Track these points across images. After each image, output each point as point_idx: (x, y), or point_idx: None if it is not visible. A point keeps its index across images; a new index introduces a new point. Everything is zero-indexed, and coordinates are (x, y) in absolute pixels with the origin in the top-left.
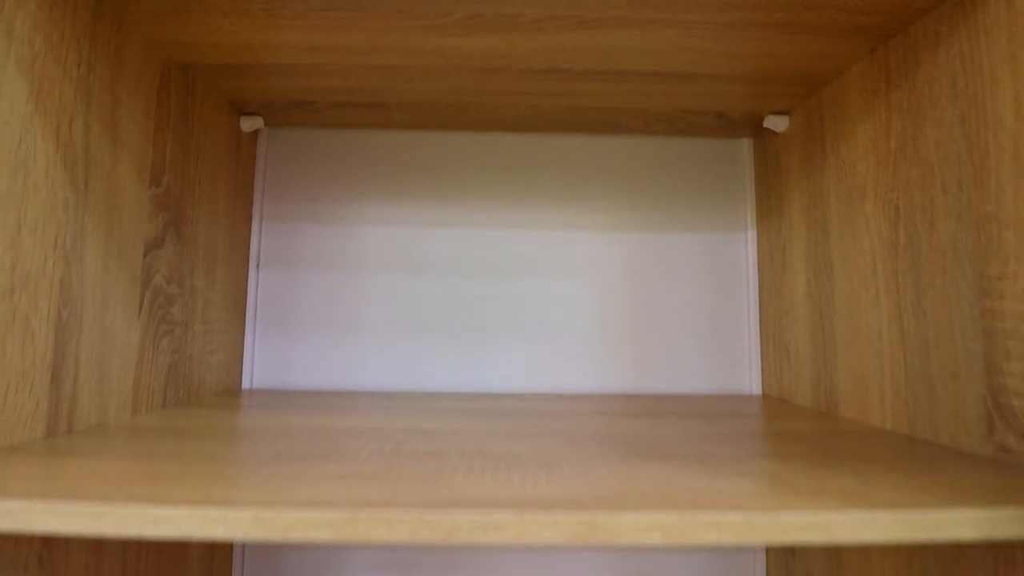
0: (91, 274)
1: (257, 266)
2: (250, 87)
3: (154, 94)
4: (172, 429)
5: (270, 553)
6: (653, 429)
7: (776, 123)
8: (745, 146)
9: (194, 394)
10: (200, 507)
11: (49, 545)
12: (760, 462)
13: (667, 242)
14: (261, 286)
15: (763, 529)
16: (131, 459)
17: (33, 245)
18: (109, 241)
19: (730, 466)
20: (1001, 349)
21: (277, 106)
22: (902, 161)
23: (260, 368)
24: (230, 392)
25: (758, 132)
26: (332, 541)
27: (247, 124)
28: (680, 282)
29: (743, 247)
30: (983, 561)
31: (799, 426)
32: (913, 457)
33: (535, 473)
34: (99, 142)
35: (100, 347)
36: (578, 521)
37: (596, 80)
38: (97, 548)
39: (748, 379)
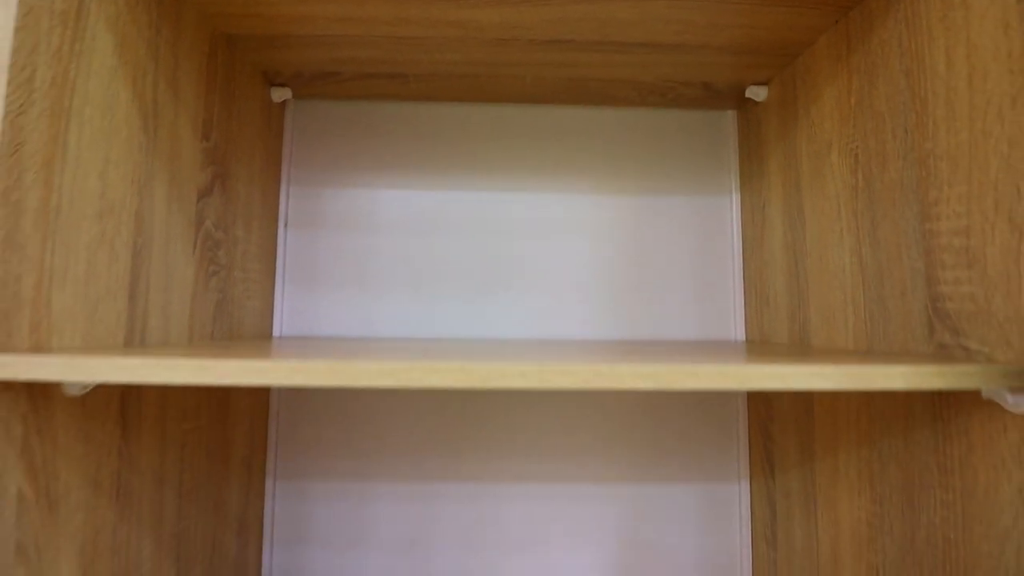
0: (158, 211)
1: (285, 225)
2: (283, 58)
3: (205, 60)
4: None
5: (297, 477)
6: (646, 353)
7: (756, 93)
8: (729, 117)
9: (235, 334)
10: (285, 360)
11: (125, 399)
12: (735, 356)
13: (659, 205)
14: (289, 243)
15: (732, 377)
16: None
17: (116, 178)
18: (171, 184)
19: (710, 358)
20: (938, 262)
21: (306, 77)
22: (860, 115)
23: (288, 317)
24: (263, 336)
25: (741, 104)
26: (393, 387)
27: (277, 95)
28: (671, 241)
29: (728, 209)
30: (925, 418)
31: (773, 349)
32: (865, 355)
33: (546, 358)
34: (164, 97)
35: (165, 276)
36: (588, 370)
37: (595, 51)
38: (161, 401)
39: (733, 327)
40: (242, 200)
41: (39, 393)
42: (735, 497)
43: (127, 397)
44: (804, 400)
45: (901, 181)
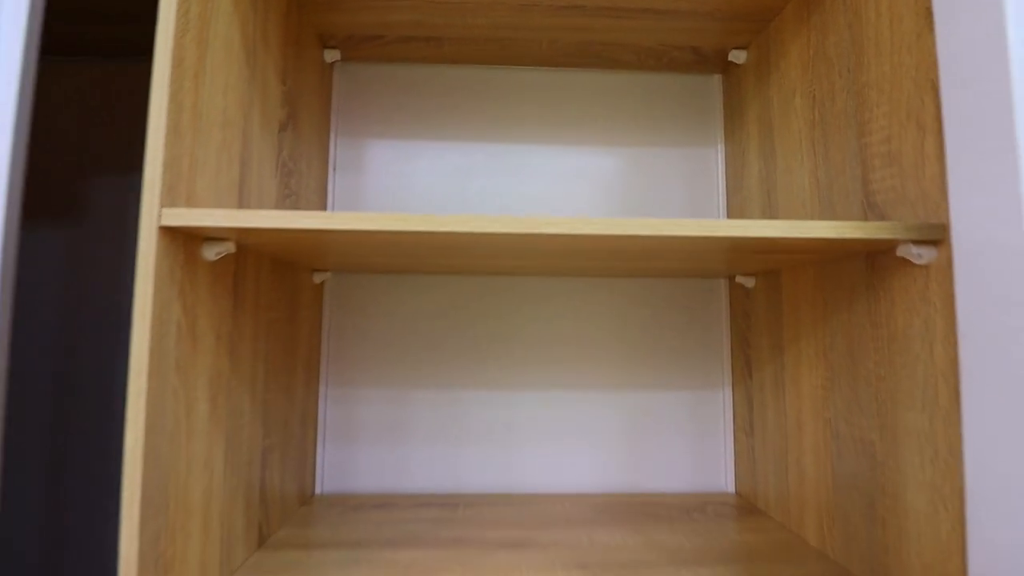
0: (255, 134)
1: (334, 169)
2: (338, 20)
3: (283, 19)
4: None
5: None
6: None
7: (737, 56)
8: (716, 80)
9: None
10: (382, 214)
11: (237, 276)
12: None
13: (655, 155)
14: (337, 185)
15: (707, 228)
16: None
17: (231, 100)
18: (263, 114)
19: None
20: (870, 166)
21: (356, 39)
22: (816, 63)
23: None
24: None
25: (725, 68)
26: (463, 231)
27: (329, 56)
28: (665, 185)
29: (714, 158)
30: (860, 289)
31: None
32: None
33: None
34: (259, 44)
35: (258, 188)
36: (606, 222)
37: (603, 16)
38: (256, 286)
39: None
40: (305, 142)
41: (190, 252)
42: (719, 399)
43: (238, 274)
44: (775, 302)
45: (845, 110)
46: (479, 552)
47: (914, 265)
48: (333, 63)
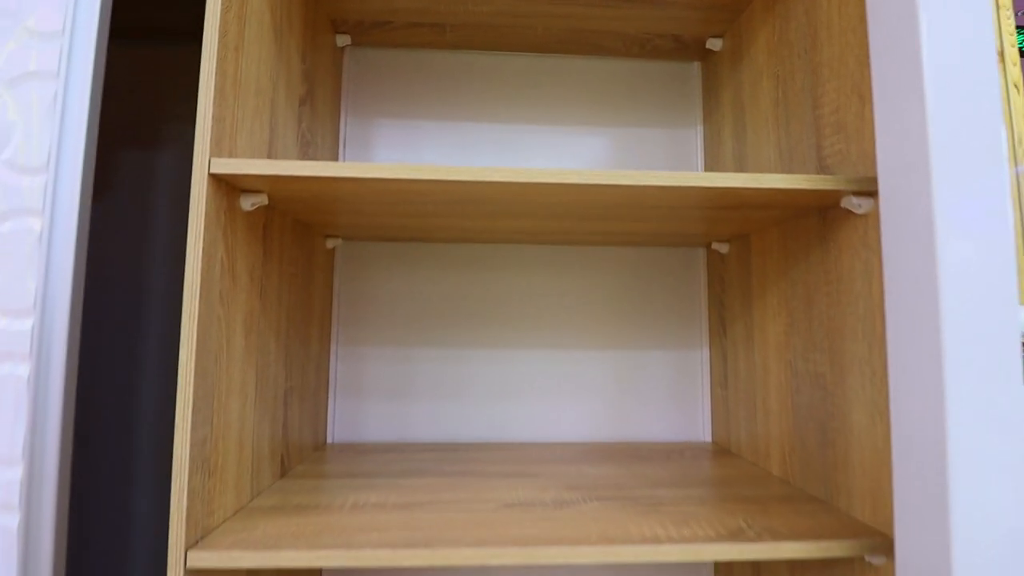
0: (280, 104)
1: (344, 145)
2: (349, 7)
3: (302, 4)
4: None
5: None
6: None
7: (714, 43)
8: (695, 67)
9: None
10: (392, 164)
11: (267, 228)
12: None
13: (640, 136)
14: (347, 159)
15: (679, 179)
16: None
17: (263, 71)
18: (287, 88)
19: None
20: (823, 135)
21: (365, 25)
22: (780, 47)
23: None
24: None
25: (704, 56)
26: (467, 180)
27: (340, 40)
28: (648, 164)
29: (694, 140)
30: (815, 242)
31: None
32: None
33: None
34: (284, 24)
35: (283, 152)
36: (591, 173)
37: (593, 4)
38: (280, 241)
39: None
40: (320, 118)
41: (230, 202)
42: (698, 358)
43: (267, 229)
44: (745, 264)
45: (803, 87)
46: (480, 479)
47: (856, 215)
48: (344, 47)
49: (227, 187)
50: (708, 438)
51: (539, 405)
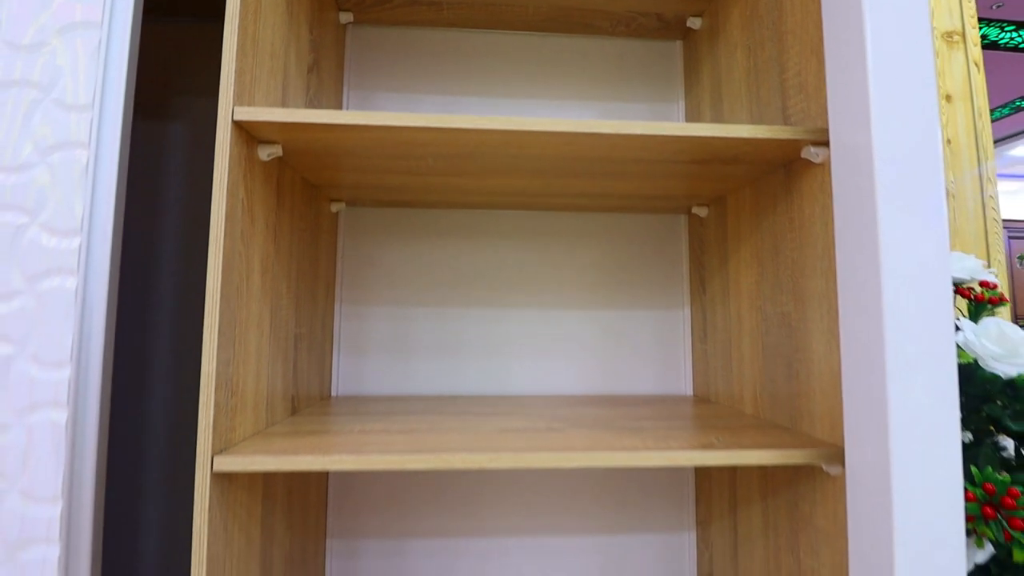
0: (292, 69)
1: None
2: None
3: None
4: None
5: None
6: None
7: (694, 22)
8: (677, 46)
9: None
10: (394, 112)
11: (280, 180)
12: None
13: (624, 110)
14: None
15: (656, 128)
16: None
17: (277, 37)
18: (297, 55)
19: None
20: (787, 96)
21: (367, 3)
22: (751, 20)
23: None
24: None
25: (685, 35)
26: (460, 126)
27: (343, 17)
28: None
29: (676, 112)
30: (782, 194)
31: None
32: None
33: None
34: (297, 3)
35: None
36: (577, 123)
37: None
38: (291, 195)
39: None
40: (324, 87)
41: (249, 151)
42: (679, 317)
43: (280, 181)
44: (722, 224)
45: (771, 55)
46: (477, 417)
47: (814, 164)
48: (347, 24)
49: (247, 136)
50: (690, 391)
51: (531, 361)
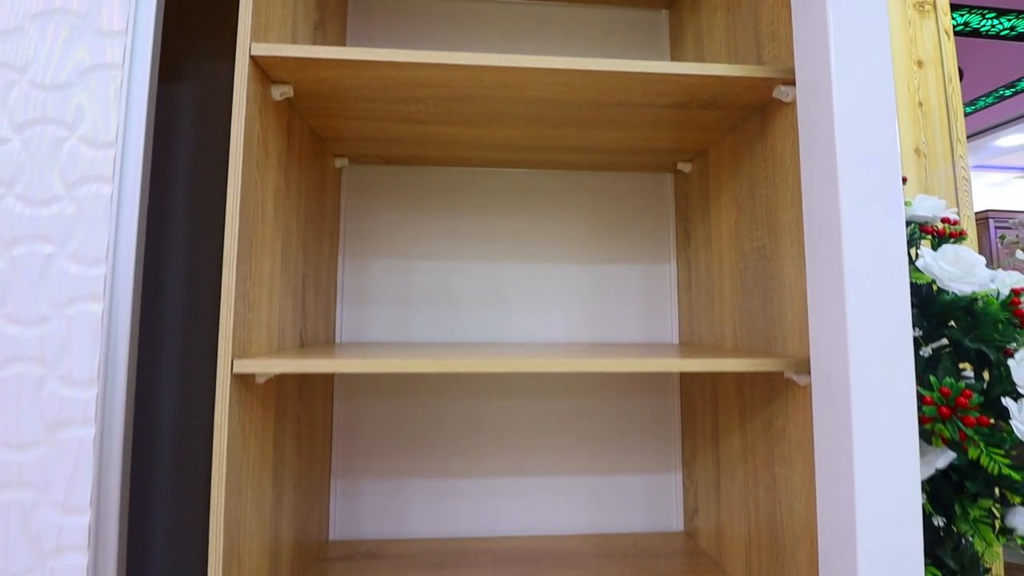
0: (299, 22)
1: None
2: None
3: None
4: None
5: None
6: None
7: None
8: (663, 16)
9: None
10: (399, 49)
11: (290, 124)
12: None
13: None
14: None
15: (638, 66)
16: None
17: (286, 8)
18: (305, 15)
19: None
20: (762, 46)
21: None
22: None
23: None
24: None
25: (671, 3)
26: (461, 63)
27: None
28: None
29: None
30: (756, 135)
31: None
32: None
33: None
34: None
35: None
36: (565, 60)
37: None
38: (301, 139)
39: None
40: (328, 39)
41: (264, 90)
42: (666, 271)
43: (291, 125)
44: (704, 176)
45: (748, 10)
46: (473, 346)
47: (785, 104)
48: None
49: (261, 74)
50: (676, 340)
51: (525, 312)
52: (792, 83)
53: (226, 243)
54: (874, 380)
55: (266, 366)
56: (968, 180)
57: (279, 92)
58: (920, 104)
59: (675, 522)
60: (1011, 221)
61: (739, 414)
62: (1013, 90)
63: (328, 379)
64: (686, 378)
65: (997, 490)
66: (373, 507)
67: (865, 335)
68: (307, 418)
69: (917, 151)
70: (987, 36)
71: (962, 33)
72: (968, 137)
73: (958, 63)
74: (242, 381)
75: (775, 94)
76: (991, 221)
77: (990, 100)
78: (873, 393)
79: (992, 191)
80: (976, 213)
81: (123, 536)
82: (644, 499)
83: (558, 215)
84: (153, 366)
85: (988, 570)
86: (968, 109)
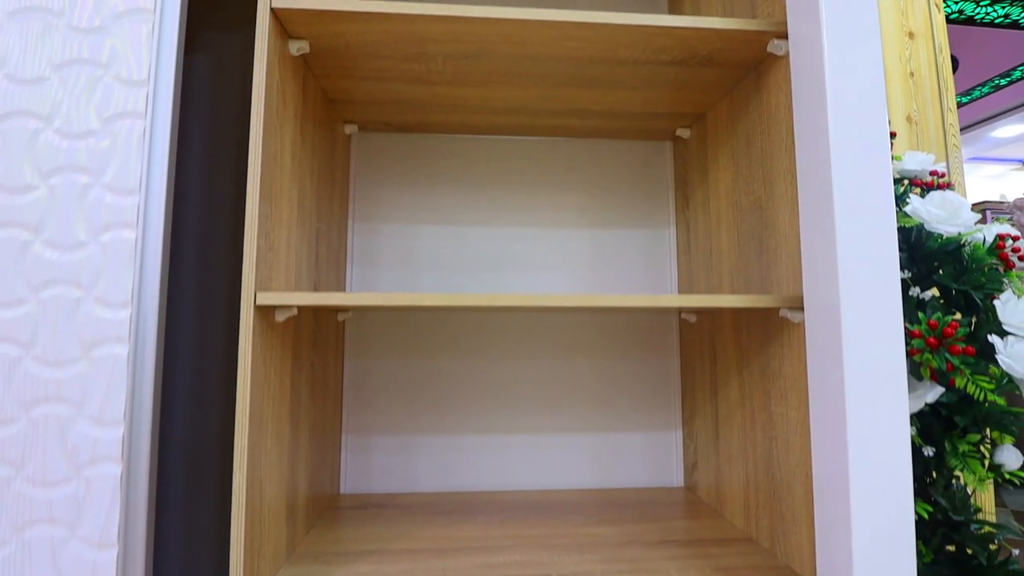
0: None
1: None
2: None
3: None
4: None
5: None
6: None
7: None
8: None
9: None
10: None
11: (305, 82)
12: None
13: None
14: None
15: (636, 19)
16: None
17: None
18: None
19: None
20: (758, 10)
21: None
22: None
23: None
24: None
25: None
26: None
27: None
28: None
29: None
30: (751, 95)
31: None
32: None
33: None
34: None
35: None
36: (563, 12)
37: None
38: (313, 102)
39: None
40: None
41: (282, 44)
42: (665, 236)
43: (305, 83)
44: (702, 139)
45: None
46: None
47: (779, 57)
48: None
49: (280, 28)
50: None
51: (529, 276)
52: (785, 36)
53: (249, 179)
54: (863, 312)
55: (286, 298)
56: (959, 148)
57: (296, 47)
58: (912, 74)
59: (675, 478)
60: (1004, 205)
61: (736, 363)
62: (1008, 79)
63: (339, 334)
64: (685, 338)
65: (988, 430)
66: (382, 463)
67: (854, 269)
68: (320, 368)
69: (909, 119)
70: (982, 24)
71: (957, 21)
72: (964, 128)
73: (952, 52)
74: (263, 315)
75: (769, 48)
76: (988, 212)
77: (986, 90)
78: (862, 324)
79: (990, 184)
80: (972, 204)
81: (155, 447)
82: (646, 456)
83: (561, 182)
84: (180, 287)
85: (979, 509)
86: (963, 99)
